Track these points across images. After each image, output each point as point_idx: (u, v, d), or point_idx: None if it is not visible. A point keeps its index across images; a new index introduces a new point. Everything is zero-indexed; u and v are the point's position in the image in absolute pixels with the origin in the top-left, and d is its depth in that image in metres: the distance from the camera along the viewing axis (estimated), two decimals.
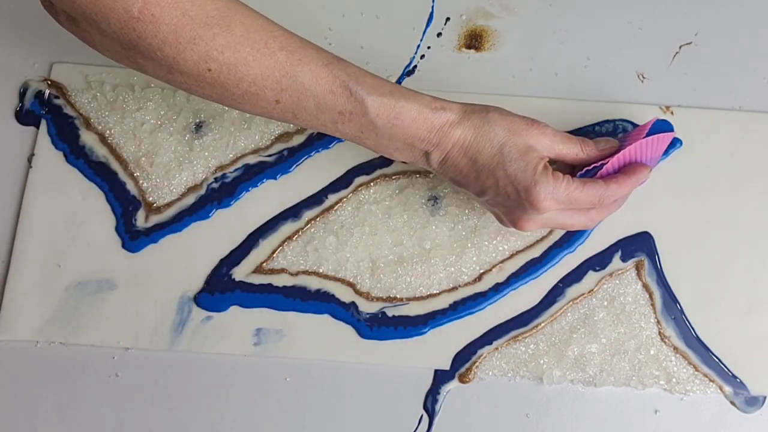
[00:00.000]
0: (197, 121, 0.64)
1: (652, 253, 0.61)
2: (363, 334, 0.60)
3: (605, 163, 0.55)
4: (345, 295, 0.61)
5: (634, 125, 0.64)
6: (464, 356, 0.59)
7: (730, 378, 0.59)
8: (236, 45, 0.50)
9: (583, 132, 0.64)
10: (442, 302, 0.61)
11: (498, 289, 0.61)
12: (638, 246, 0.61)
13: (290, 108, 0.53)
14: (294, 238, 0.62)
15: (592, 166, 0.55)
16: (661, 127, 0.56)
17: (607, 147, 0.56)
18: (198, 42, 0.49)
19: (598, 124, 0.64)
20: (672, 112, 0.65)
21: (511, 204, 0.54)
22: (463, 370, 0.59)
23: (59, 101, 0.65)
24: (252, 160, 0.64)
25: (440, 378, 0.59)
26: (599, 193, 0.53)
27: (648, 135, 0.55)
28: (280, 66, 0.51)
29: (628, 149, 0.55)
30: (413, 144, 0.54)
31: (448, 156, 0.54)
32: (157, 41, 0.49)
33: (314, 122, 0.54)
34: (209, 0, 0.50)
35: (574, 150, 0.55)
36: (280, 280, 0.61)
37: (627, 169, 0.56)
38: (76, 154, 0.64)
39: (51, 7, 0.51)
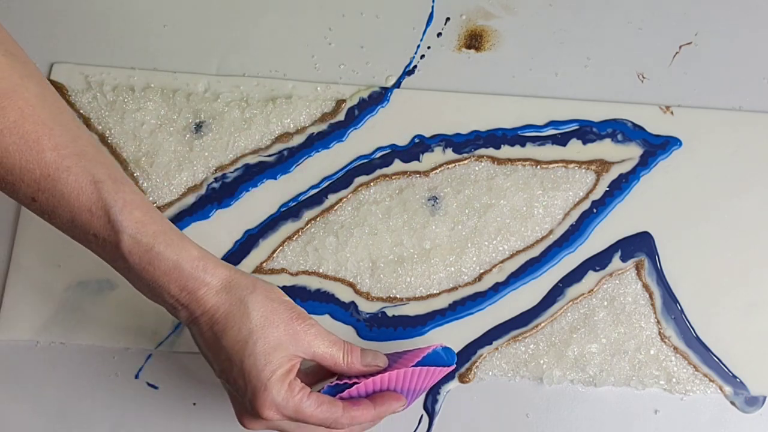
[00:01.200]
0: (197, 121, 0.64)
1: (652, 253, 0.61)
2: (363, 335, 0.60)
3: (357, 383, 0.50)
4: (345, 295, 0.61)
5: (635, 125, 0.64)
6: (464, 356, 0.59)
7: (730, 378, 0.59)
8: (3, 129, 0.46)
9: (582, 132, 0.64)
10: (442, 302, 0.61)
11: (498, 289, 0.61)
12: (638, 246, 0.61)
13: (46, 210, 0.48)
14: (294, 238, 0.62)
15: (343, 381, 0.51)
16: (441, 357, 0.52)
17: (372, 364, 0.51)
18: None
19: (598, 123, 0.64)
20: (672, 112, 0.65)
21: (239, 398, 0.50)
22: (463, 370, 0.59)
23: None
24: (252, 160, 0.64)
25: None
26: (333, 417, 0.49)
27: (420, 364, 0.51)
28: (44, 166, 0.46)
29: (389, 375, 0.50)
30: (161, 295, 0.49)
31: (195, 321, 0.49)
32: None
33: (69, 233, 0.49)
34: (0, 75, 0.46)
35: (334, 357, 0.50)
36: (280, 280, 0.61)
37: (379, 396, 0.51)
38: None
39: None
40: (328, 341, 0.50)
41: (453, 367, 0.53)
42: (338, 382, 0.51)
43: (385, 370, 0.51)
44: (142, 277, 0.48)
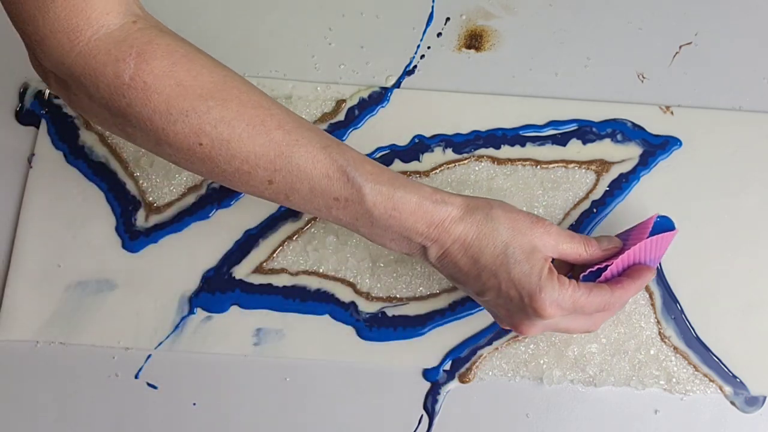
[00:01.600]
0: None
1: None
2: (363, 335, 0.60)
3: (609, 265, 0.52)
4: (345, 295, 0.61)
5: (635, 125, 0.64)
6: (464, 356, 0.59)
7: (730, 378, 0.59)
8: (231, 120, 0.47)
9: (582, 132, 0.64)
10: (442, 302, 0.61)
11: None
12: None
13: (283, 189, 0.50)
14: (294, 238, 0.62)
15: (596, 267, 0.53)
16: (663, 224, 0.55)
17: (610, 247, 0.53)
18: (191, 114, 0.47)
19: (598, 123, 0.64)
20: (672, 112, 0.65)
21: (512, 308, 0.51)
22: (463, 370, 0.59)
23: (59, 101, 0.65)
24: None
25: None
26: (605, 300, 0.51)
27: (651, 234, 0.53)
28: (276, 145, 0.48)
29: (632, 250, 0.52)
30: (410, 237, 0.51)
31: (447, 252, 0.51)
32: (147, 111, 0.46)
33: (307, 206, 0.51)
34: (206, 71, 0.47)
35: (577, 250, 0.52)
36: (280, 280, 0.61)
37: (632, 272, 0.53)
38: (76, 154, 0.64)
39: (40, 67, 0.49)
40: (570, 237, 0.52)
41: (677, 231, 0.55)
42: (591, 270, 0.53)
43: (622, 250, 0.53)
44: (389, 225, 0.50)
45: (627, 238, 0.55)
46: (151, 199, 0.63)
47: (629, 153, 0.63)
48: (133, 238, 0.62)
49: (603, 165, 0.63)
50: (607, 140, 0.64)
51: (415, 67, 0.66)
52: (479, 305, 0.60)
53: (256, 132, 0.48)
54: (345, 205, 0.50)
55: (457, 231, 0.51)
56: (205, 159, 0.48)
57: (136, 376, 0.60)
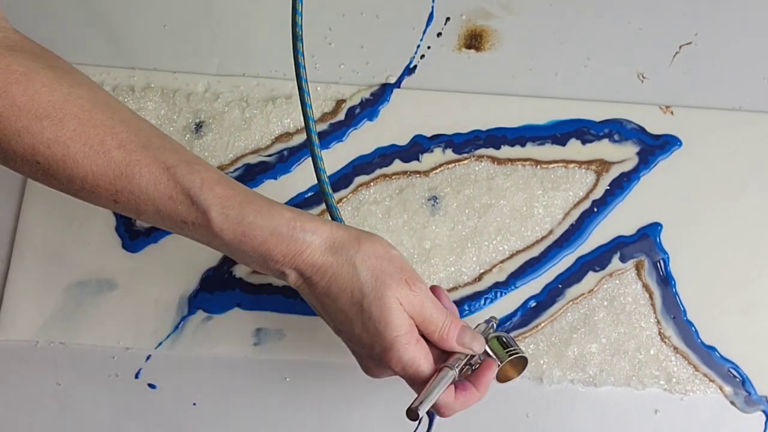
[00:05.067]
0: (197, 121, 0.64)
1: (651, 253, 0.61)
2: None
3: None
4: None
5: (633, 124, 0.64)
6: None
7: (731, 378, 0.59)
8: (65, 140, 0.46)
9: (581, 132, 0.64)
10: None
11: (498, 289, 0.61)
12: (638, 246, 0.61)
13: (131, 208, 0.48)
14: None
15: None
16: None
17: (468, 346, 0.50)
18: (23, 134, 0.45)
19: (600, 123, 0.64)
20: (672, 112, 0.65)
21: (363, 353, 0.50)
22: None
23: None
24: (253, 159, 0.64)
25: None
26: (446, 401, 0.50)
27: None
28: (116, 166, 0.47)
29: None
30: (266, 262, 0.49)
31: (306, 283, 0.49)
32: None
33: (161, 225, 0.49)
34: (46, 90, 0.46)
35: (435, 325, 0.49)
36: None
37: (479, 384, 0.51)
38: None
39: None
40: (434, 310, 0.49)
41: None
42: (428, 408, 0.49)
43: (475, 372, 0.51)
44: (242, 250, 0.48)
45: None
46: None
47: (627, 152, 0.63)
48: (133, 238, 0.62)
49: (603, 165, 0.63)
50: (605, 140, 0.64)
51: (415, 67, 0.66)
52: (479, 305, 0.60)
53: (94, 152, 0.46)
54: (194, 229, 0.48)
55: (317, 263, 0.48)
56: (48, 176, 0.48)
57: (136, 376, 0.60)
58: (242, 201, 0.48)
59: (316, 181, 0.63)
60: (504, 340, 0.53)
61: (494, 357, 0.52)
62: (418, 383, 0.49)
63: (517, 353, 0.52)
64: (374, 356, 0.49)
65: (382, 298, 0.47)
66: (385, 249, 0.49)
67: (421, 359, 0.48)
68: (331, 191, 0.55)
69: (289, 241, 0.48)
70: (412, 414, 0.47)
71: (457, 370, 0.49)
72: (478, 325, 0.55)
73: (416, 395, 0.48)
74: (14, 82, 0.46)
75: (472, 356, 0.51)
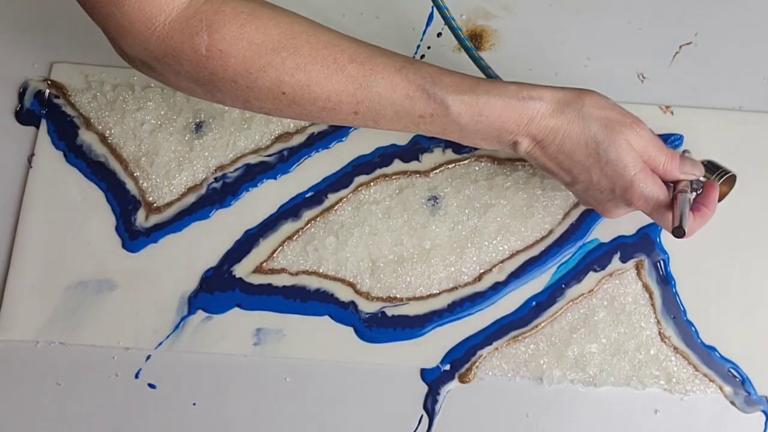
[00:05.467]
0: (197, 121, 0.64)
1: (651, 253, 0.61)
2: (362, 335, 0.60)
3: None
4: (345, 294, 0.61)
5: None
6: (464, 356, 0.59)
7: (731, 378, 0.59)
8: (306, 65, 0.50)
9: None
10: (442, 302, 0.61)
11: (498, 289, 0.61)
12: (638, 246, 0.61)
13: (370, 117, 0.52)
14: (294, 238, 0.62)
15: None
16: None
17: (689, 172, 0.55)
18: (268, 69, 0.50)
19: None
20: (672, 112, 0.65)
21: (602, 197, 0.55)
22: (463, 370, 0.59)
23: (59, 101, 0.65)
24: (252, 159, 0.64)
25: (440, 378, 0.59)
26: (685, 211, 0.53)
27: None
28: (353, 79, 0.51)
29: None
30: (500, 136, 0.53)
31: (538, 146, 0.53)
32: (229, 74, 0.49)
33: (396, 126, 0.53)
34: (272, 24, 0.50)
35: (658, 160, 0.54)
36: (280, 280, 0.61)
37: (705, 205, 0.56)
38: (76, 154, 0.64)
39: (125, 55, 0.51)
40: (657, 147, 0.54)
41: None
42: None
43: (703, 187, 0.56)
44: (478, 129, 0.52)
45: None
46: (151, 199, 0.63)
47: None
48: (133, 238, 0.62)
49: None
50: None
51: None
52: (479, 306, 0.60)
53: (331, 71, 0.50)
54: (431, 120, 0.52)
55: (549, 126, 0.52)
56: (291, 104, 0.51)
57: (136, 376, 0.60)
58: (471, 85, 0.52)
59: (317, 180, 0.63)
60: (713, 163, 0.57)
61: (712, 179, 0.56)
62: (659, 212, 0.53)
63: (728, 172, 0.56)
64: (616, 197, 0.54)
65: (616, 142, 0.52)
66: (605, 99, 0.54)
67: (659, 190, 0.53)
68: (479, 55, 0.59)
69: (522, 110, 0.52)
70: (680, 232, 0.51)
71: (691, 193, 0.54)
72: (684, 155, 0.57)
73: (663, 221, 0.53)
74: (246, 23, 0.49)
75: (692, 182, 0.55)
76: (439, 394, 0.59)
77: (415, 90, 0.51)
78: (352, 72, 0.51)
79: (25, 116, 0.65)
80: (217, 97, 0.52)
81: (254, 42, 0.49)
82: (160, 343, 0.60)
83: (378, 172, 0.63)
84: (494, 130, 0.52)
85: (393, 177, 0.63)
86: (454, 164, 0.63)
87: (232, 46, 0.49)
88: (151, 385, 0.60)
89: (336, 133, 0.64)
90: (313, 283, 0.61)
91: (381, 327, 0.60)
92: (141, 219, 0.63)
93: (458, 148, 0.64)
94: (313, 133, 0.64)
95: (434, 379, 0.59)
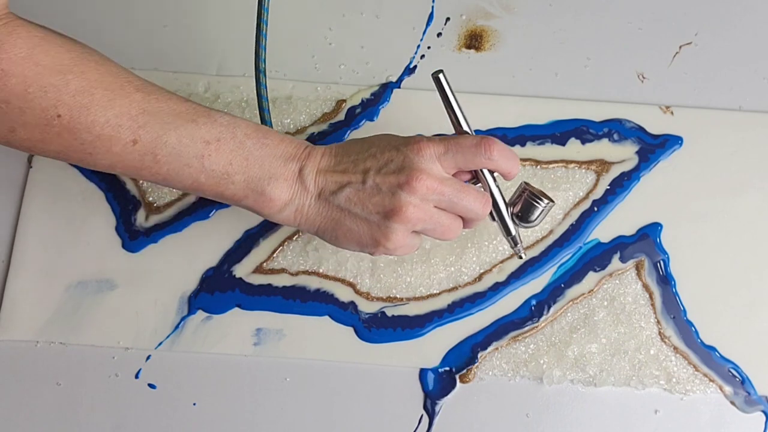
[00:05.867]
0: None
1: (651, 253, 0.61)
2: (362, 335, 0.60)
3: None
4: (345, 295, 0.61)
5: (635, 124, 0.64)
6: (464, 356, 0.59)
7: (731, 378, 0.59)
8: (90, 88, 0.48)
9: (580, 131, 0.64)
10: (442, 302, 0.61)
11: (498, 289, 0.61)
12: (638, 246, 0.61)
13: (149, 147, 0.50)
14: (294, 238, 0.62)
15: None
16: None
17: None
18: (49, 89, 0.48)
19: (600, 123, 0.64)
20: (672, 112, 0.65)
21: (380, 201, 0.51)
22: (463, 370, 0.59)
23: None
24: None
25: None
26: (470, 193, 0.52)
27: None
28: (137, 104, 0.49)
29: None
30: (286, 162, 0.52)
31: (321, 164, 0.52)
32: (3, 95, 0.47)
33: (176, 162, 0.50)
34: (64, 50, 0.49)
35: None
36: (280, 280, 0.61)
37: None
38: None
39: None
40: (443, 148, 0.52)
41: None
42: None
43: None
44: (263, 155, 0.52)
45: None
46: (151, 199, 0.63)
47: (626, 152, 0.63)
48: (133, 238, 0.62)
49: (603, 165, 0.63)
50: (605, 140, 0.64)
51: (415, 67, 0.66)
52: (479, 306, 0.60)
53: (116, 95, 0.49)
54: (217, 147, 0.50)
55: (322, 148, 0.53)
56: (63, 132, 0.49)
57: (136, 376, 0.60)
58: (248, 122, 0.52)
59: None
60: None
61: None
62: (439, 212, 0.52)
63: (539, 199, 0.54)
64: (400, 182, 0.51)
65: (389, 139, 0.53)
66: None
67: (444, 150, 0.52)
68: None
69: (296, 139, 0.53)
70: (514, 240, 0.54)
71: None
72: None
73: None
74: (36, 46, 0.48)
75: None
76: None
77: (200, 114, 0.51)
78: (137, 98, 0.50)
79: None
80: None
81: (41, 63, 0.47)
82: (160, 343, 0.60)
83: None
84: (279, 154, 0.52)
85: None
86: None
87: (17, 66, 0.47)
88: (151, 385, 0.60)
89: (336, 133, 0.64)
90: (313, 283, 0.61)
91: (381, 327, 0.60)
92: (141, 219, 0.63)
93: None
94: (313, 133, 0.64)
95: (428, 390, 0.59)
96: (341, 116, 0.65)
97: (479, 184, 0.54)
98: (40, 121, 0.48)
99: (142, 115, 0.49)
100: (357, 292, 0.61)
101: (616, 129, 0.64)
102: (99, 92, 0.49)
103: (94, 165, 0.51)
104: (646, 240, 0.62)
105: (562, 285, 0.61)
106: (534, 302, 0.60)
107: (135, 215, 0.63)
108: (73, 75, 0.48)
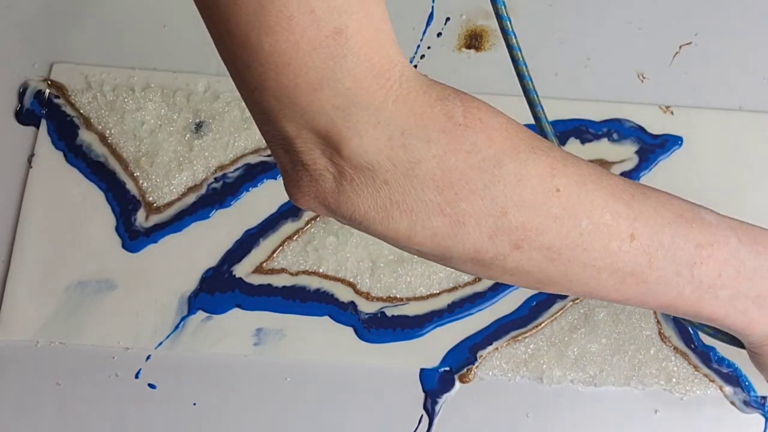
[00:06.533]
0: (197, 121, 0.64)
1: None
2: (362, 335, 0.60)
3: None
4: (345, 295, 0.61)
5: (637, 125, 0.64)
6: (464, 356, 0.59)
7: (731, 378, 0.59)
8: (571, 157, 0.38)
9: (580, 131, 0.64)
10: (442, 302, 0.61)
11: (498, 289, 0.61)
12: None
13: (645, 246, 0.38)
14: (294, 238, 0.62)
15: None
16: None
17: None
18: (536, 150, 0.36)
19: (599, 122, 0.64)
20: (672, 112, 0.65)
21: None
22: (463, 370, 0.59)
23: (59, 101, 0.65)
24: (253, 159, 0.64)
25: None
26: None
27: None
28: (626, 184, 0.38)
29: None
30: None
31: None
32: (492, 152, 0.35)
33: (668, 268, 0.39)
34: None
35: None
36: (280, 280, 0.61)
37: None
38: (76, 154, 0.64)
39: (344, 156, 0.36)
40: None
41: None
42: None
43: None
44: (756, 267, 0.41)
45: None
46: (151, 199, 0.63)
47: (625, 151, 0.63)
48: (133, 238, 0.62)
49: (603, 165, 0.63)
50: (604, 140, 0.64)
51: (416, 67, 0.66)
52: (479, 306, 0.60)
53: (600, 173, 0.38)
54: (710, 252, 0.40)
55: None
56: (562, 213, 0.36)
57: (136, 376, 0.60)
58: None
59: None
60: None
61: None
62: None
63: None
64: None
65: None
66: None
67: None
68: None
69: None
70: None
71: None
72: None
73: None
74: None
75: None
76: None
77: (685, 209, 0.40)
78: (619, 180, 0.39)
79: (25, 116, 0.65)
80: (461, 209, 0.36)
81: (512, 123, 0.37)
82: (160, 343, 0.60)
83: None
84: None
85: None
86: None
87: (493, 118, 0.36)
88: (151, 385, 0.60)
89: None
90: (313, 283, 0.61)
91: (381, 327, 0.60)
92: (141, 219, 0.63)
93: None
94: None
95: (429, 389, 0.59)
96: None
97: None
98: (537, 192, 0.36)
99: (633, 200, 0.38)
100: (357, 292, 0.61)
101: (615, 129, 0.64)
102: (580, 161, 0.38)
103: (571, 274, 0.38)
104: None
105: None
106: (534, 302, 0.60)
107: (135, 215, 0.63)
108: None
